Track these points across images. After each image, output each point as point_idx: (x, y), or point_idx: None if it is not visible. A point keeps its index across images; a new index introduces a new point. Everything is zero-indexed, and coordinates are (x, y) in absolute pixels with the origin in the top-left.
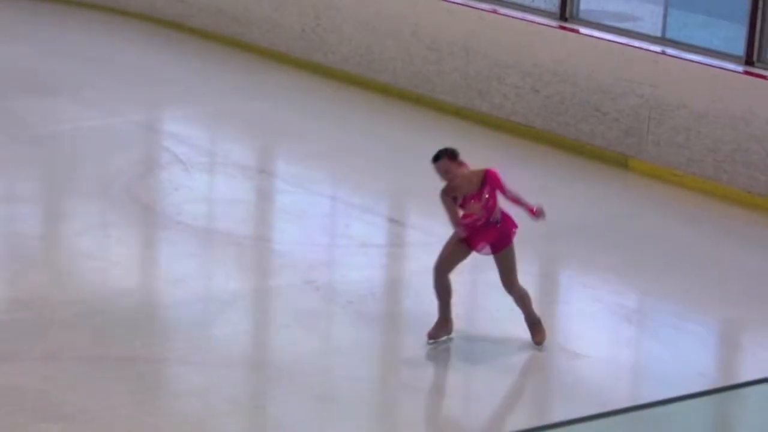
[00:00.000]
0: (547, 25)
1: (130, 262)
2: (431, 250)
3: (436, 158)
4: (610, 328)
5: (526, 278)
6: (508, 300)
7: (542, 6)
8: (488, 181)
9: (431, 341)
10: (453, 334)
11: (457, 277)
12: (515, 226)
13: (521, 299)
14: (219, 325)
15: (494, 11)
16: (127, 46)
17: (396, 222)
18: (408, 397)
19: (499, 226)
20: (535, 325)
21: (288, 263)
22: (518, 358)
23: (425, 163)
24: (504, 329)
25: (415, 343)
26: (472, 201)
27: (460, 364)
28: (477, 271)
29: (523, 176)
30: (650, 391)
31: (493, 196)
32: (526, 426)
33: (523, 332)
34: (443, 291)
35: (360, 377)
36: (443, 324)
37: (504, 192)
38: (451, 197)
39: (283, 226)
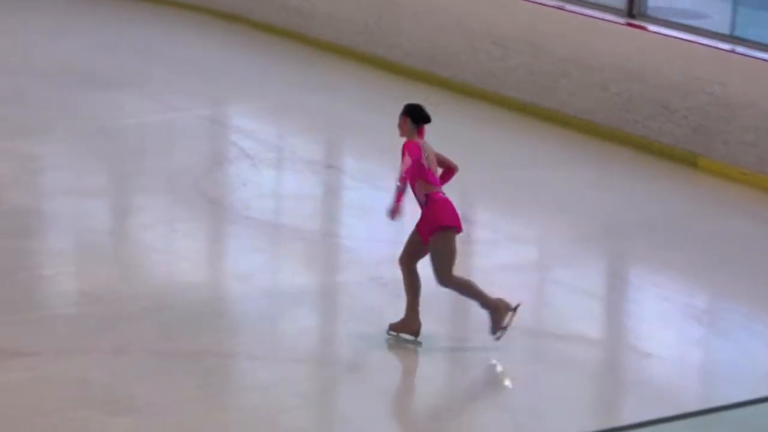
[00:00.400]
0: (614, 22)
1: (198, 257)
2: (497, 247)
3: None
4: (679, 328)
5: (594, 275)
6: (577, 298)
7: (609, 2)
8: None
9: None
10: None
11: (523, 275)
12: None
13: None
14: (286, 320)
15: (561, 7)
16: (191, 39)
17: (463, 218)
18: (475, 394)
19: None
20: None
21: (355, 259)
22: (586, 357)
23: (491, 158)
24: (571, 327)
25: (483, 339)
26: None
27: (529, 363)
28: (545, 269)
29: (590, 173)
30: (720, 391)
31: (406, 174)
32: (595, 427)
33: (591, 331)
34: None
35: (426, 374)
36: (497, 309)
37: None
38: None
39: (350, 221)
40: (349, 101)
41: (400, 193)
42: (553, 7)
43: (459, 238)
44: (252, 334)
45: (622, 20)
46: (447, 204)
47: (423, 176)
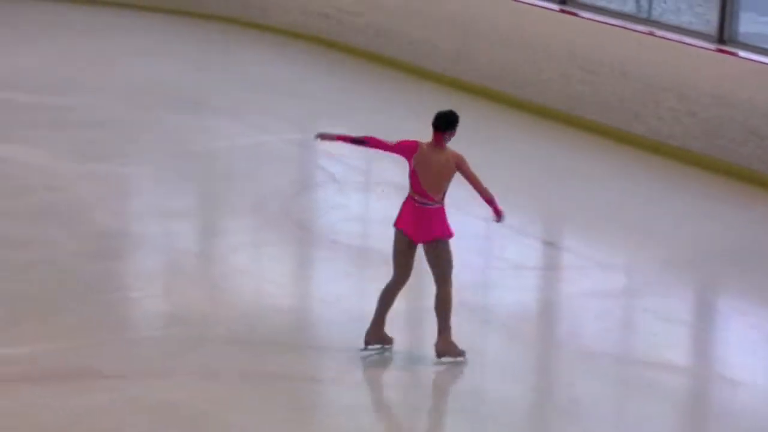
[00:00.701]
0: (704, 48)
1: (285, 280)
2: (586, 274)
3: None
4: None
5: (682, 303)
6: (664, 325)
7: (699, 28)
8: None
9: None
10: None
11: (610, 301)
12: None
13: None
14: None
15: (651, 33)
16: (280, 62)
17: (551, 245)
18: (561, 420)
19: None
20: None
21: None
22: (674, 385)
23: (579, 185)
24: (659, 355)
25: (570, 365)
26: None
27: (615, 389)
28: (633, 296)
29: (679, 200)
30: None
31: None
32: None
33: (679, 358)
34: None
35: (513, 399)
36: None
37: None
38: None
39: None
40: None
41: (350, 139)
42: (643, 32)
43: (547, 264)
44: (338, 358)
45: (712, 46)
46: (404, 207)
47: (409, 176)
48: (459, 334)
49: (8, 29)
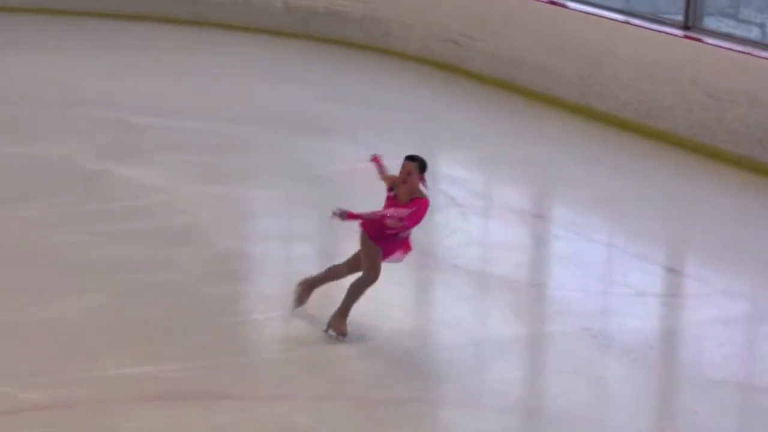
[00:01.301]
0: None
1: (406, 304)
2: (710, 301)
3: (414, 159)
4: None
5: None
6: None
7: None
8: (417, 205)
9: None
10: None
11: (734, 328)
12: (409, 248)
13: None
14: (494, 369)
15: None
16: (403, 88)
17: (674, 271)
18: None
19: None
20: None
21: (564, 310)
22: None
23: (703, 211)
24: None
25: (693, 392)
26: (394, 208)
27: (739, 417)
28: (757, 323)
29: None
30: None
31: (410, 219)
32: None
33: None
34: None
35: (635, 428)
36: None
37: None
38: (389, 188)
39: (559, 272)
40: (561, 152)
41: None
42: None
43: (670, 291)
44: (459, 382)
45: None
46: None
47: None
48: (579, 359)
49: (134, 52)
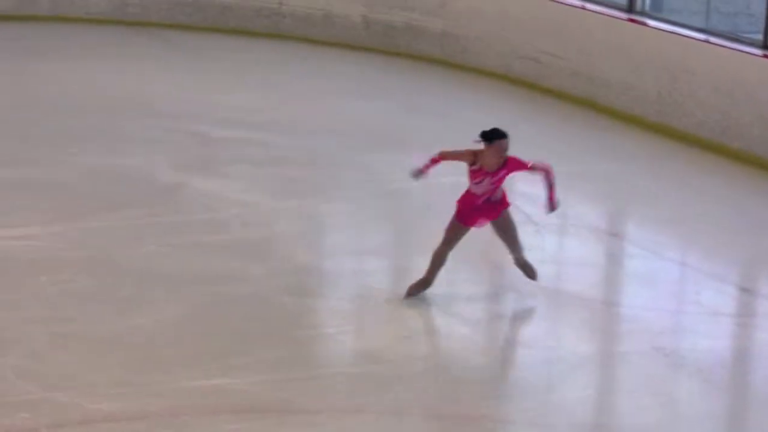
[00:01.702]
0: None
1: (479, 320)
2: None
3: (504, 135)
4: None
5: None
6: None
7: None
8: (507, 165)
9: (408, 296)
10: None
11: None
12: (508, 204)
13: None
14: (567, 388)
15: None
16: (482, 104)
17: (748, 291)
18: None
19: (495, 203)
20: (524, 266)
21: (636, 328)
22: None
23: None
24: None
25: (766, 415)
26: (487, 177)
27: None
28: None
29: None
30: None
31: (502, 180)
32: None
33: None
34: (439, 263)
35: None
36: (423, 284)
37: (529, 168)
38: (475, 161)
39: (633, 290)
40: (638, 170)
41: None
42: None
43: (743, 311)
44: (532, 400)
45: None
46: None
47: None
48: (652, 378)
49: (214, 63)
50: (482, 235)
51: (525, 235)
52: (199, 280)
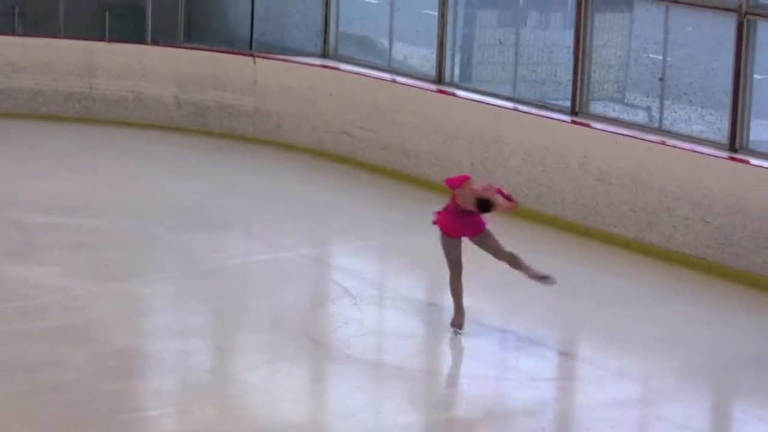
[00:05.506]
0: (716, 156)
1: (300, 396)
2: (603, 383)
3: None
4: None
5: (699, 411)
6: None
7: (711, 137)
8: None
9: (460, 331)
10: None
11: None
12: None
13: (511, 261)
14: None
15: (663, 143)
16: (296, 180)
17: (566, 355)
18: None
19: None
20: (535, 276)
21: (458, 397)
22: None
23: (594, 294)
24: None
25: None
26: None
27: None
28: (649, 405)
29: (694, 308)
30: None
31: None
32: None
33: None
34: (459, 293)
35: None
36: (460, 316)
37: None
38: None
39: (453, 359)
40: None
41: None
42: (655, 142)
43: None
44: None
45: (724, 154)
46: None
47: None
48: None
49: (24, 150)
50: (301, 309)
51: (343, 308)
52: (19, 369)
